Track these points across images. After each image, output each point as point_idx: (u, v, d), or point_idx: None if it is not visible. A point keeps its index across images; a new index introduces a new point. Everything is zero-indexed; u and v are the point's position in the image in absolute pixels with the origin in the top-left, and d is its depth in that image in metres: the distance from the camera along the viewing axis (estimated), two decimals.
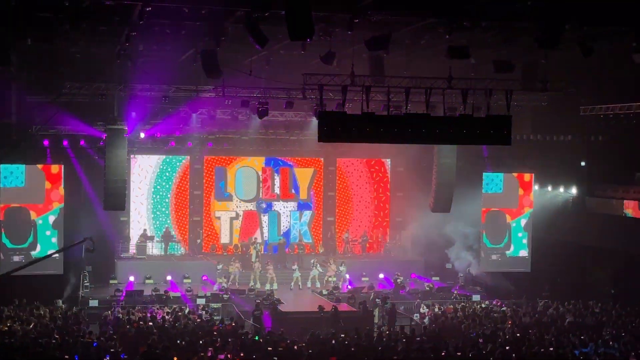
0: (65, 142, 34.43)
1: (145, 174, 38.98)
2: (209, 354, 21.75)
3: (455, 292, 35.06)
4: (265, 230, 40.23)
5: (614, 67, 29.90)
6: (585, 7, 21.64)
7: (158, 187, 39.22)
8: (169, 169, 39.30)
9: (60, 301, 31.94)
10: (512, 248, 37.11)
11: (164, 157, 38.91)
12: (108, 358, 21.85)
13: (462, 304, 33.09)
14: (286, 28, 20.77)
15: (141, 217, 38.97)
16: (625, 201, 35.78)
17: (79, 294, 33.40)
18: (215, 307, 31.69)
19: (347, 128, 23.76)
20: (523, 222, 37.16)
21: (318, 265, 36.57)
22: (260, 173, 40.23)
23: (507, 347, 24.10)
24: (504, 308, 32.04)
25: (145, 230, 38.32)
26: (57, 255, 31.74)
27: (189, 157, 39.20)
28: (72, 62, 30.23)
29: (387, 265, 38.51)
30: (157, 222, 39.15)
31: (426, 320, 30.54)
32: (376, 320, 31.45)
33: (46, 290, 31.71)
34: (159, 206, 39.27)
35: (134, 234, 38.50)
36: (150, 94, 30.82)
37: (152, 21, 23.49)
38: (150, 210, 39.12)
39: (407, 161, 40.06)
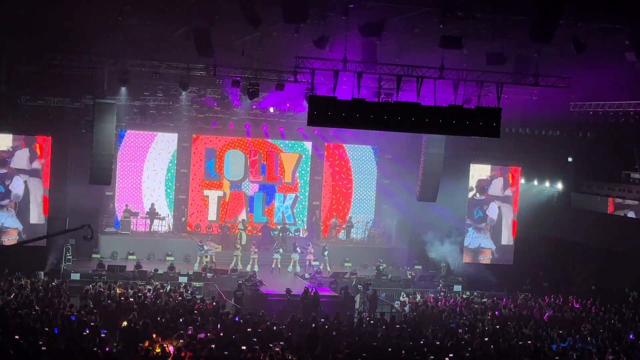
0: (53, 114, 34.19)
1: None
2: (189, 332, 21.77)
3: (441, 283, 35.06)
4: (250, 210, 40.20)
5: (606, 64, 29.89)
6: (580, 3, 21.66)
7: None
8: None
9: (42, 273, 31.83)
10: (496, 240, 37.20)
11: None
12: (87, 332, 21.81)
13: (443, 293, 33.22)
14: (281, 10, 20.81)
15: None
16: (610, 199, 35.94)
17: (61, 266, 33.34)
18: (197, 285, 31.69)
19: (337, 113, 23.78)
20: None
21: (298, 248, 36.53)
22: (247, 156, 40.12)
23: (486, 339, 24.24)
24: (485, 299, 32.17)
25: (127, 205, 38.21)
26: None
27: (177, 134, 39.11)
28: (64, 33, 29.98)
29: (370, 252, 38.59)
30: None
31: (407, 308, 30.64)
32: (357, 306, 31.54)
33: (28, 262, 31.63)
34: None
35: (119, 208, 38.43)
36: (141, 69, 30.68)
37: None
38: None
39: (395, 149, 40.04)
